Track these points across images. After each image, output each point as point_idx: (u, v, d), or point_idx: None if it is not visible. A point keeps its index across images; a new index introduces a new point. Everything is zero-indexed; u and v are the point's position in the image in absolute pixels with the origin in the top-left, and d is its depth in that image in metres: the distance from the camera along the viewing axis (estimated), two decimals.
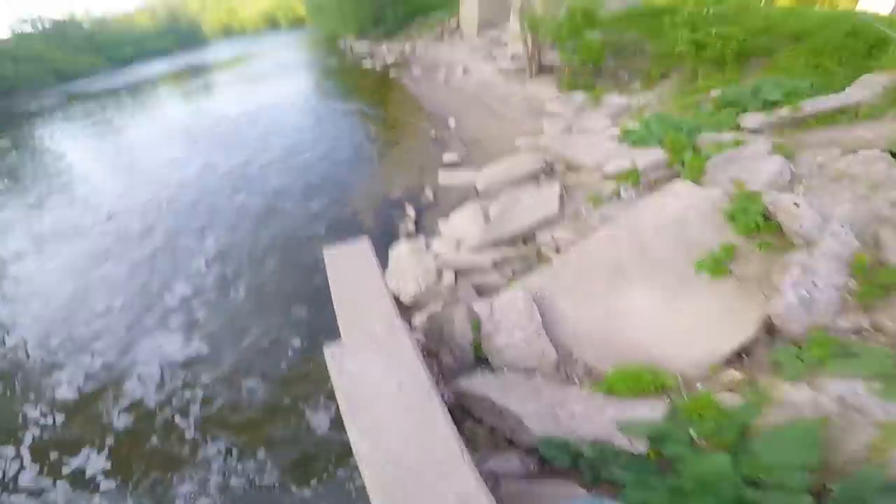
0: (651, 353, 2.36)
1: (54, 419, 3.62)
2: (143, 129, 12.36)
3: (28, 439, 3.48)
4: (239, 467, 3.05)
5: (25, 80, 36.80)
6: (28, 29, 48.70)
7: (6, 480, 3.21)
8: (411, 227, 5.02)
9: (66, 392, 3.85)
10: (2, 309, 5.10)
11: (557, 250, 3.69)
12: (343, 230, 5.30)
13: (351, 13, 23.01)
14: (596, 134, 5.32)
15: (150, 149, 10.08)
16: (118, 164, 9.46)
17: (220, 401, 3.55)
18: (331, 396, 3.05)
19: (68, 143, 12.80)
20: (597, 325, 2.63)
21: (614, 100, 6.42)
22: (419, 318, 3.58)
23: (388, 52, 18.09)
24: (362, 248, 2.76)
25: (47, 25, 50.37)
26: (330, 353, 1.95)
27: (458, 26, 18.16)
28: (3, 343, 4.58)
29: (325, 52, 23.41)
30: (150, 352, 4.11)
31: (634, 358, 2.34)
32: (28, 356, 4.35)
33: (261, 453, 3.13)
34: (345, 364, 1.89)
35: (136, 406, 3.62)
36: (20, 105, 26.54)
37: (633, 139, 4.74)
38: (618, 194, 4.06)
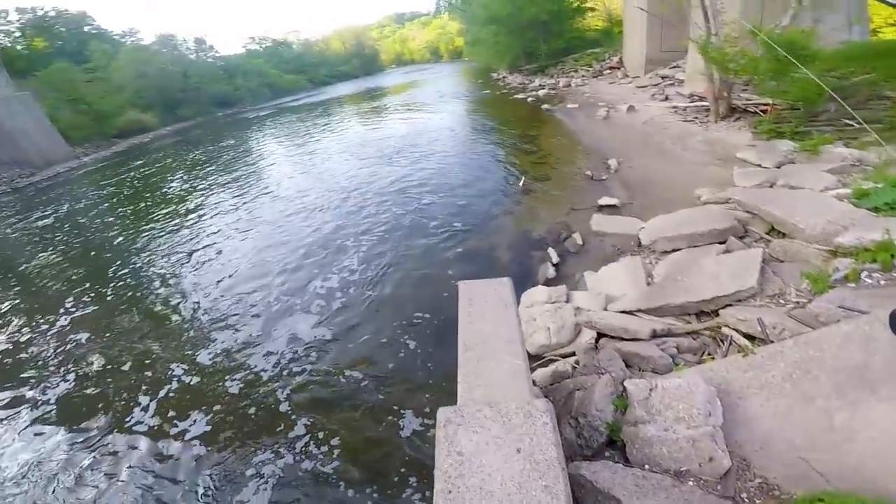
0: (889, 487, 1.71)
1: (187, 378, 4.15)
2: (327, 141, 14.59)
3: (161, 392, 4.02)
4: (314, 451, 3.11)
5: (248, 92, 45.54)
6: (255, 47, 59.62)
7: (128, 423, 3.70)
8: (552, 272, 4.52)
9: (204, 356, 4.41)
10: (192, 275, 6.29)
11: (752, 336, 2.84)
12: (477, 261, 5.13)
13: (505, 47, 23.92)
14: (814, 193, 4.22)
15: (330, 158, 11.87)
16: (304, 168, 11.34)
17: (323, 386, 3.70)
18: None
19: (272, 147, 16.18)
20: (807, 439, 1.96)
21: (839, 152, 5.12)
22: (542, 373, 3.17)
23: (540, 85, 18.08)
24: (502, 292, 2.42)
25: (268, 45, 61.23)
26: (444, 418, 1.59)
27: (621, 63, 17.41)
28: (181, 303, 5.56)
29: (480, 82, 24.46)
30: (284, 330, 4.55)
31: (854, 487, 1.75)
32: (193, 318, 5.18)
33: (339, 446, 3.12)
34: (458, 440, 1.51)
35: (250, 374, 3.98)
36: (242, 113, 33.66)
37: (876, 204, 3.61)
38: (856, 277, 3.02)
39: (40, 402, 4.18)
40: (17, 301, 6.58)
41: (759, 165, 5.54)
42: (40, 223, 11.35)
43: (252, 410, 3.59)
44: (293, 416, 3.45)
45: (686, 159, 6.57)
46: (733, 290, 3.22)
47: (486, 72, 28.24)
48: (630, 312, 3.48)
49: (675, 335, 3.15)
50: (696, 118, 8.51)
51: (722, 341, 2.95)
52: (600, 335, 3.36)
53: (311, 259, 5.92)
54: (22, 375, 4.66)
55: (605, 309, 3.65)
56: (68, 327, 5.45)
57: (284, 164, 12.43)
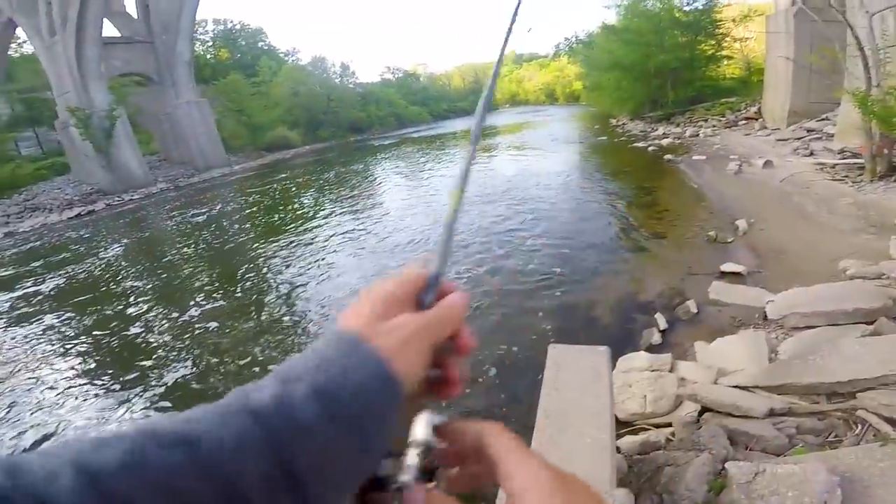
0: None
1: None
2: (440, 175, 15.59)
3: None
4: None
5: (378, 119, 48.94)
6: (388, 76, 64.43)
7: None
8: (657, 338, 4.32)
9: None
10: (302, 276, 7.42)
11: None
12: (574, 318, 5.00)
13: (628, 93, 23.20)
14: None
15: (440, 190, 12.74)
16: (418, 199, 12.29)
17: None
18: None
19: (392, 175, 17.76)
20: None
21: None
22: (629, 441, 3.05)
23: (664, 134, 17.40)
24: (597, 361, 2.28)
25: (399, 76, 65.97)
26: None
27: (759, 114, 16.18)
28: (288, 295, 6.67)
29: (597, 128, 24.13)
30: None
31: None
32: (302, 325, 5.94)
33: None
34: None
35: None
36: (371, 140, 36.96)
37: None
38: None
39: (153, 385, 4.87)
40: (160, 286, 8.09)
41: None
42: (193, 220, 13.77)
43: None
44: None
45: (831, 225, 5.98)
46: (879, 373, 2.96)
47: (603, 117, 27.81)
48: (745, 388, 3.28)
49: (796, 414, 2.93)
50: (847, 177, 7.66)
51: (855, 424, 2.71)
52: (704, 409, 3.16)
53: None
54: (142, 359, 5.46)
55: (716, 383, 3.45)
56: (196, 318, 6.32)
57: (401, 192, 13.61)
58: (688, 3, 21.89)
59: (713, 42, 22.21)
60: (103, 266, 10.12)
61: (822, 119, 12.62)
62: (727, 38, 22.51)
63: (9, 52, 35.04)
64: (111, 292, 8.20)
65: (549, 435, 1.84)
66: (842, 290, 4.10)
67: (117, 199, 21.50)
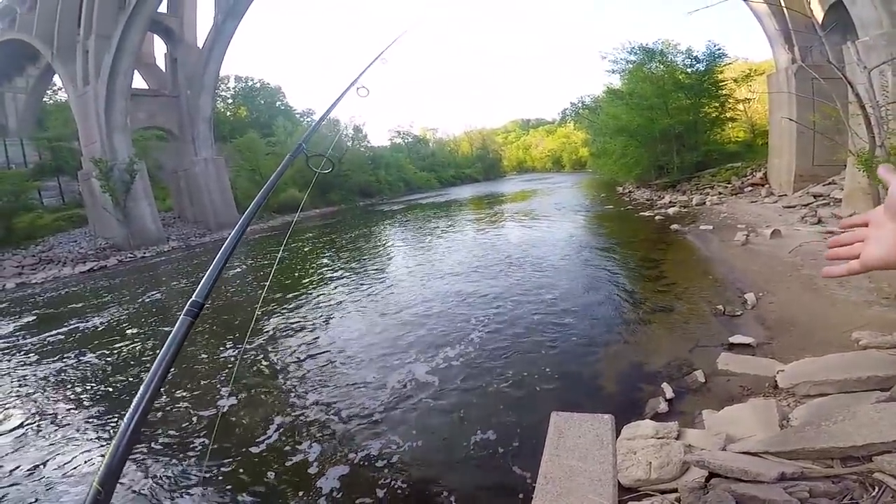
0: None
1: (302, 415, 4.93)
2: (445, 243, 15.74)
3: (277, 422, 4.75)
4: None
5: (387, 184, 49.12)
6: (398, 141, 65.29)
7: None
8: (663, 407, 4.22)
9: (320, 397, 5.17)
10: (322, 337, 7.47)
11: None
12: (578, 388, 4.93)
13: (634, 158, 23.20)
14: None
15: (445, 260, 12.77)
16: (423, 264, 12.44)
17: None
18: None
19: (399, 242, 18.04)
20: None
21: None
22: None
23: (670, 202, 17.63)
24: (601, 429, 2.28)
25: (409, 140, 67.00)
26: None
27: (765, 179, 16.27)
28: (315, 352, 6.72)
29: (603, 197, 24.52)
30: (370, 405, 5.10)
31: None
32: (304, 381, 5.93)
33: None
34: None
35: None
36: (379, 205, 37.75)
37: None
38: None
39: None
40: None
41: None
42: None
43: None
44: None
45: (842, 297, 5.90)
46: (894, 438, 2.79)
47: (609, 185, 28.39)
48: (755, 454, 3.14)
49: (809, 478, 2.76)
50: None
51: (872, 486, 2.54)
52: (712, 475, 3.01)
53: (411, 350, 6.45)
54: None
55: (724, 449, 3.33)
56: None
57: (408, 259, 13.72)
58: (691, 65, 21.93)
59: (716, 104, 22.14)
60: (107, 322, 10.34)
61: (829, 183, 12.57)
62: (730, 100, 22.50)
63: (44, 99, 36.84)
64: (112, 346, 8.28)
65: (550, 500, 1.83)
66: (854, 359, 4.02)
67: (129, 255, 21.86)
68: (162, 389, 4.99)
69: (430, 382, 5.46)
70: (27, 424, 5.61)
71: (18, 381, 7.20)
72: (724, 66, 22.15)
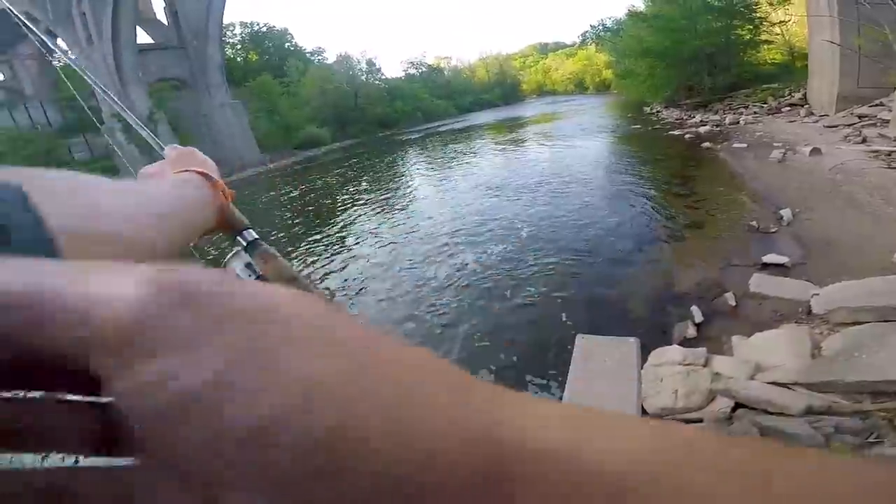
0: None
1: None
2: (467, 167, 15.61)
3: None
4: None
5: (403, 115, 49.05)
6: (413, 72, 63.96)
7: None
8: (692, 332, 4.14)
9: None
10: (352, 267, 7.57)
11: None
12: (605, 310, 4.88)
13: (662, 80, 22.49)
14: None
15: (467, 182, 12.76)
16: (443, 189, 12.50)
17: None
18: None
19: (422, 169, 17.87)
20: None
21: None
22: None
23: (701, 122, 16.70)
24: (627, 352, 2.24)
25: (424, 70, 65.34)
26: None
27: (805, 100, 15.30)
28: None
29: (630, 117, 23.38)
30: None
31: None
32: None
33: None
34: None
35: None
36: (398, 135, 37.40)
37: None
38: None
39: None
40: None
41: None
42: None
43: None
44: None
45: (886, 215, 5.58)
46: None
47: (636, 106, 26.87)
48: (783, 385, 3.12)
49: (836, 413, 2.76)
50: None
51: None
52: (738, 405, 3.03)
53: (431, 268, 6.59)
54: None
55: (752, 378, 3.28)
56: None
57: (431, 187, 13.62)
58: None
59: (750, 26, 21.24)
60: None
61: (876, 104, 11.77)
62: (765, 22, 21.56)
63: (55, 63, 36.96)
64: None
65: None
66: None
67: None
68: None
69: (452, 299, 5.54)
70: None
71: None
72: None
